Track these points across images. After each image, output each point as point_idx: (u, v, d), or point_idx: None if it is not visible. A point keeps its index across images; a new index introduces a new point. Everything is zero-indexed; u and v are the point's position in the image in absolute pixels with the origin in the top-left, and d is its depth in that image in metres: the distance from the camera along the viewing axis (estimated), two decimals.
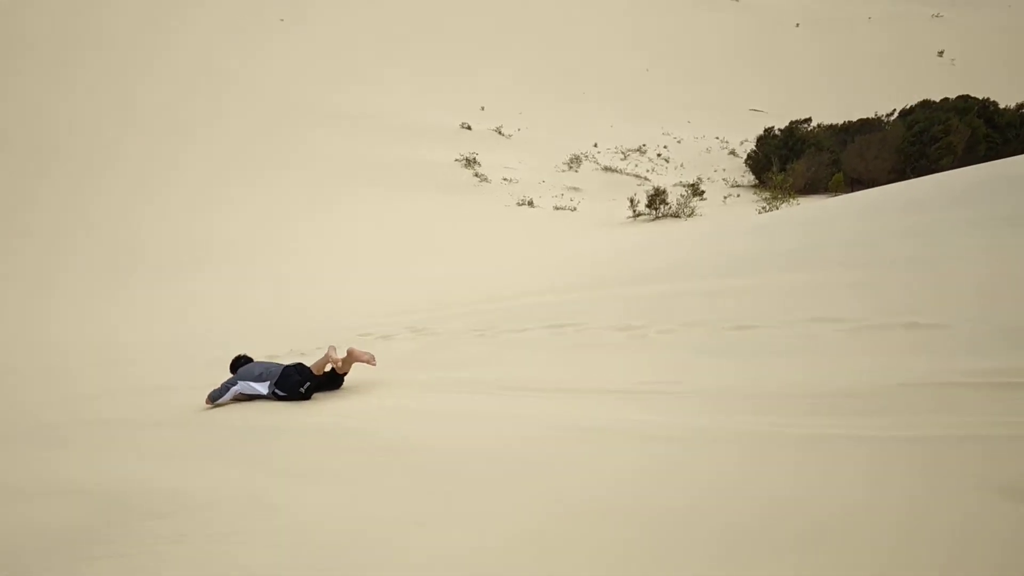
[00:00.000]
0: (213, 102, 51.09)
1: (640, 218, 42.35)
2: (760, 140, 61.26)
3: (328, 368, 8.04)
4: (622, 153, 62.43)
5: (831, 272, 9.44)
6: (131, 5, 65.35)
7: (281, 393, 8.16)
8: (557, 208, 45.42)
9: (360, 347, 8.93)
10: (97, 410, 9.93)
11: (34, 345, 22.11)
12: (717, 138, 71.94)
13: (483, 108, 64.63)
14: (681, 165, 62.80)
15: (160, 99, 49.20)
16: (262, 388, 8.33)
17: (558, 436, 5.37)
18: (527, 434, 5.58)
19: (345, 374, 8.20)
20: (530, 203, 45.34)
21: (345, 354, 8.04)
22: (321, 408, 7.49)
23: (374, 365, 8.12)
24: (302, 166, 44.34)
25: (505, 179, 49.95)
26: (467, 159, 51.54)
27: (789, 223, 17.09)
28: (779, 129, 61.07)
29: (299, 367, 8.12)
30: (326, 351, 8.07)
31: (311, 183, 42.26)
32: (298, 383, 8.04)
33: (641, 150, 66.28)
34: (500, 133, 60.39)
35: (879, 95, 79.06)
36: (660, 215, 42.84)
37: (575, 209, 45.53)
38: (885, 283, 8.17)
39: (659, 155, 66.05)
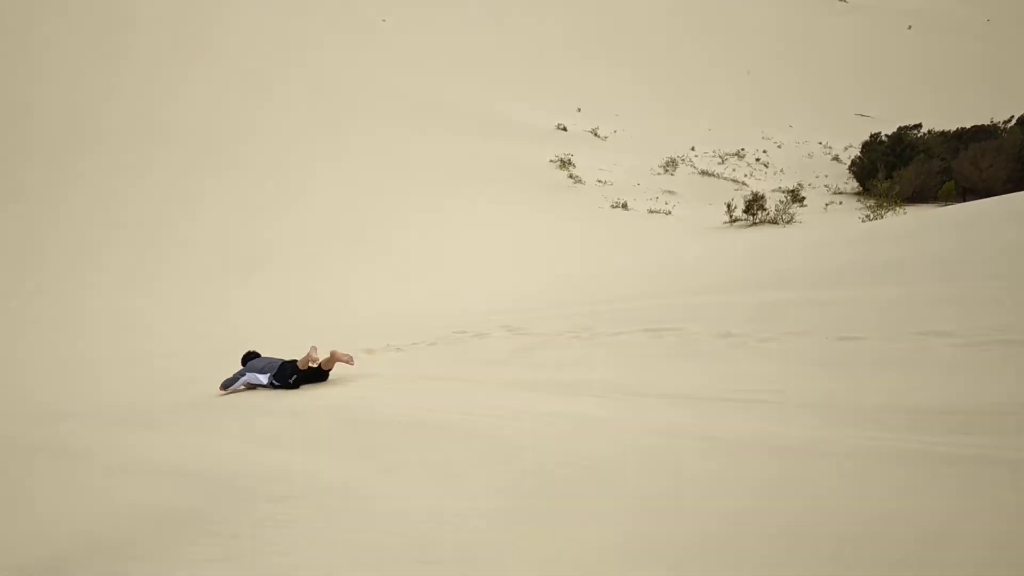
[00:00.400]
0: (315, 103, 52.46)
1: (737, 224, 41.51)
2: (866, 146, 59.23)
3: (313, 365, 9.42)
4: (720, 157, 61.32)
5: (938, 285, 9.10)
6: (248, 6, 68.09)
7: (277, 383, 9.51)
8: (652, 211, 44.93)
9: (342, 350, 10.08)
10: (193, 394, 10.38)
11: (139, 333, 23.19)
12: (820, 143, 69.93)
13: (579, 109, 64.48)
14: (781, 170, 61.26)
15: (272, 103, 50.82)
16: (263, 379, 9.68)
17: (656, 443, 5.33)
18: (625, 439, 5.57)
19: (330, 370, 9.58)
20: (624, 206, 45.00)
21: (328, 355, 9.53)
22: (419, 403, 7.64)
23: (352, 364, 9.56)
24: (397, 165, 45.12)
25: (600, 181, 49.70)
26: (562, 160, 51.48)
27: (896, 233, 16.51)
28: (886, 135, 58.95)
29: (291, 363, 9.51)
30: (307, 351, 9.52)
31: (405, 181, 42.96)
32: (289, 375, 9.43)
33: (739, 154, 64.99)
34: (596, 135, 60.15)
35: (995, 101, 75.55)
36: (757, 221, 41.91)
37: (670, 213, 44.95)
38: (993, 298, 7.84)
39: (758, 160, 64.63)
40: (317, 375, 9.53)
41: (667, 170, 55.62)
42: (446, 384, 8.38)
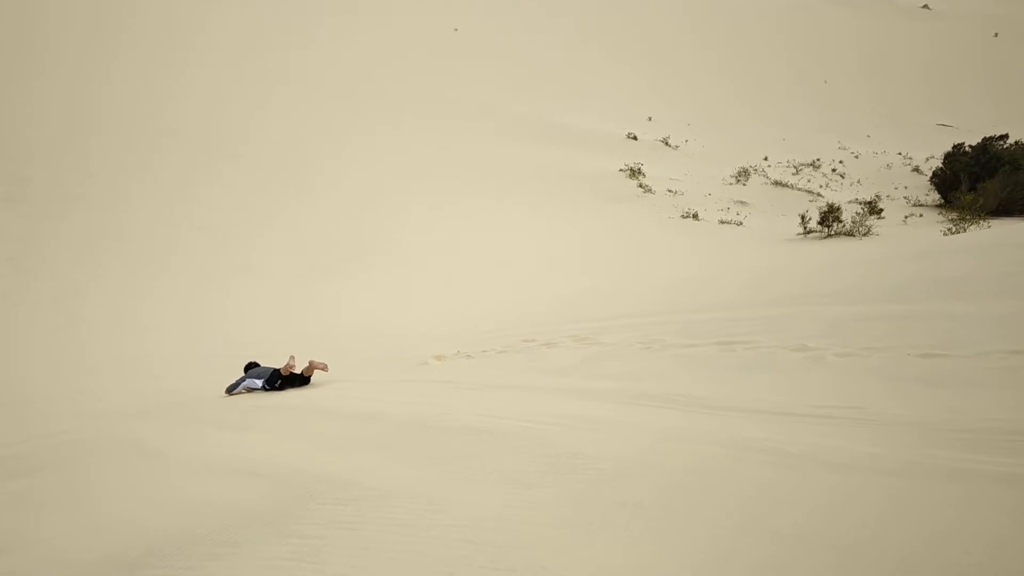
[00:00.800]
0: (380, 111, 53.28)
1: (811, 235, 40.62)
2: (948, 157, 57.36)
3: (295, 371, 11.35)
4: (794, 167, 60.09)
5: (1020, 301, 8.72)
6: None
7: (268, 387, 11.29)
8: (723, 222, 44.30)
9: (319, 359, 12.38)
10: (283, 397, 10.58)
11: (215, 334, 23.80)
12: (899, 154, 67.94)
13: (650, 119, 63.98)
14: (858, 181, 59.71)
15: (344, 112, 51.79)
16: (259, 383, 11.39)
17: (728, 455, 5.23)
18: (696, 452, 5.48)
19: (310, 376, 11.39)
20: (694, 216, 44.47)
21: (307, 364, 11.45)
22: (488, 410, 7.64)
23: (327, 371, 11.54)
24: (460, 171, 45.45)
25: (670, 191, 49.22)
26: (631, 169, 51.14)
27: (979, 246, 15.92)
28: (970, 145, 57.03)
29: (276, 371, 11.36)
30: (287, 360, 11.52)
31: (469, 187, 43.25)
32: (275, 380, 11.24)
33: (815, 164, 63.60)
34: (667, 144, 59.61)
35: None
36: (833, 233, 40.93)
37: (741, 224, 44.23)
38: None
39: (834, 170, 63.14)
40: (299, 380, 11.38)
41: (739, 180, 54.78)
42: (516, 392, 8.37)
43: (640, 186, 48.83)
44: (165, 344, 22.46)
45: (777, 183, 55.22)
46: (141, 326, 24.86)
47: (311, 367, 11.30)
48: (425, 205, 39.76)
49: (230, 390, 11.63)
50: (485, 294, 27.16)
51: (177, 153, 41.18)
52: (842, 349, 7.97)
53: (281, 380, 11.29)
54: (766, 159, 61.63)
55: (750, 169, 56.52)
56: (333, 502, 5.64)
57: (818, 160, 64.53)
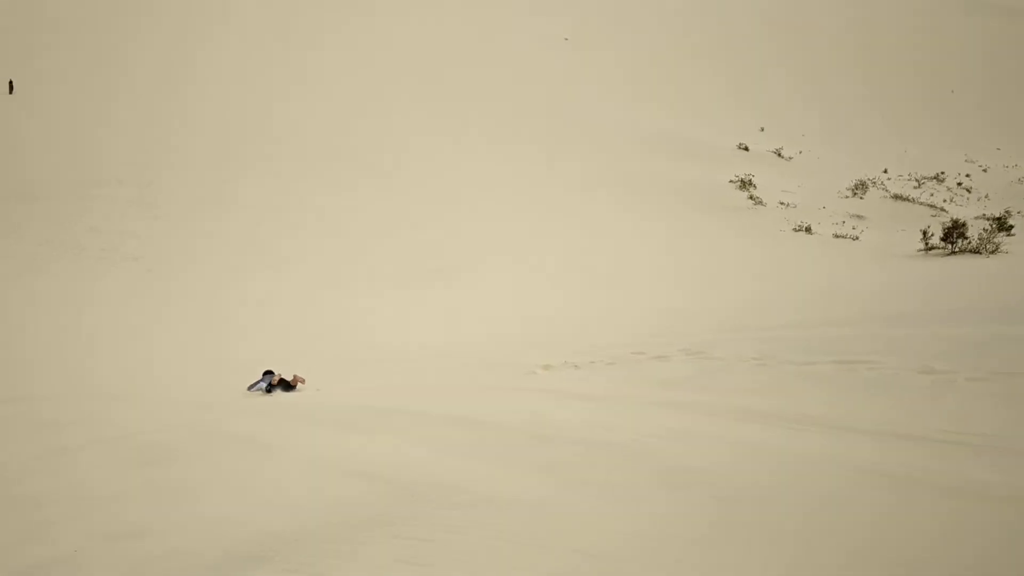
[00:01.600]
0: (494, 113, 53.83)
1: (933, 252, 38.83)
2: None
3: (285, 379, 14.23)
4: (915, 181, 57.59)
5: None
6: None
7: (267, 390, 13.90)
8: (837, 236, 42.86)
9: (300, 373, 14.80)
10: (394, 400, 10.83)
11: (330, 339, 24.51)
12: None
13: (763, 129, 62.56)
14: (986, 196, 56.82)
15: (444, 120, 52.63)
16: (264, 385, 14.05)
17: (846, 478, 5.07)
18: (813, 473, 5.33)
19: (295, 385, 14.14)
20: (807, 229, 43.20)
21: (291, 377, 14.27)
22: (599, 421, 7.62)
23: (304, 384, 14.26)
24: (571, 179, 45.45)
25: (782, 203, 47.97)
26: (742, 180, 50.09)
27: None
28: None
29: (272, 377, 14.19)
30: (277, 373, 14.37)
31: (577, 196, 43.22)
32: (268, 385, 13.97)
33: (938, 178, 60.82)
34: (779, 155, 58.13)
35: None
36: (957, 250, 39.00)
37: (857, 238, 42.69)
38: None
39: (959, 184, 60.25)
40: (286, 386, 14.11)
41: (856, 193, 52.89)
42: (626, 405, 8.32)
43: (751, 198, 47.78)
44: (289, 344, 23.28)
45: (897, 197, 53.05)
46: (261, 326, 25.83)
47: (295, 379, 14.21)
48: (534, 213, 39.99)
49: (250, 388, 14.25)
50: (590, 304, 27.09)
51: (287, 158, 42.72)
52: (974, 373, 7.59)
53: (271, 386, 14.01)
54: (886, 172, 59.31)
55: (868, 182, 54.49)
56: (445, 507, 5.73)
57: (942, 173, 61.66)
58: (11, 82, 47.76)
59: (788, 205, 47.75)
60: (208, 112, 47.72)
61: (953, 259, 37.00)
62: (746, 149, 57.24)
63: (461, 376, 13.55)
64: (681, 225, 40.76)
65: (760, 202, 47.40)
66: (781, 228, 43.21)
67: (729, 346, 11.36)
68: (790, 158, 58.15)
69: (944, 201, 54.76)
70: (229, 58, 57.08)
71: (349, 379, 15.73)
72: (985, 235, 40.48)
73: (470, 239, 35.99)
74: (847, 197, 51.83)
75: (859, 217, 47.79)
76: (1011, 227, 44.76)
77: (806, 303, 18.48)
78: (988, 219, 47.18)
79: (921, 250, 39.50)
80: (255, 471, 7.87)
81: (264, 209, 37.03)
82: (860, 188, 53.32)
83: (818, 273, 31.34)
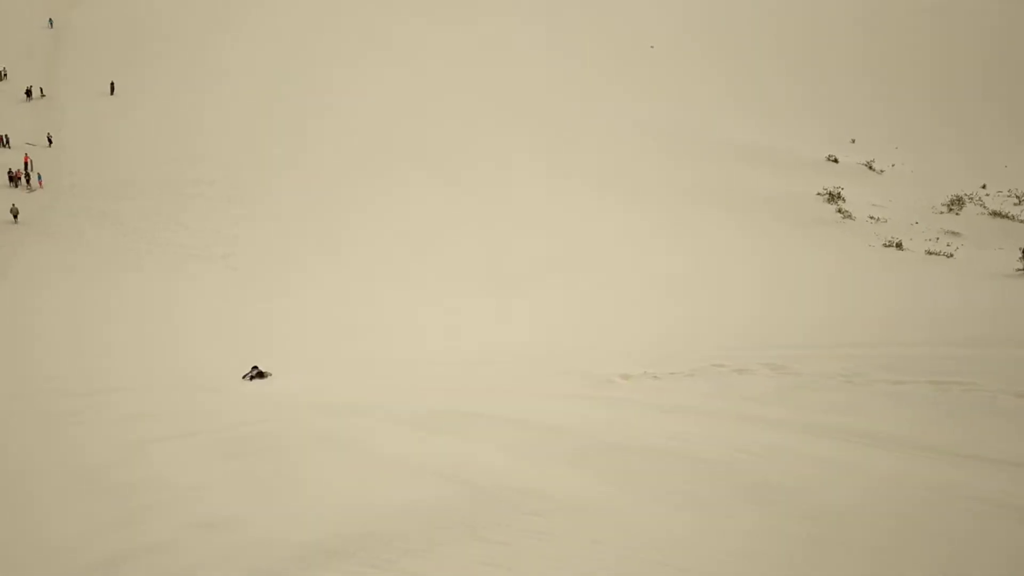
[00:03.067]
0: (575, 135, 53.74)
1: None
2: None
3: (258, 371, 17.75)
4: (1016, 197, 55.05)
5: None
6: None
7: (250, 379, 17.48)
8: (930, 252, 41.34)
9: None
10: (472, 403, 10.89)
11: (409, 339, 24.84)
12: None
13: (853, 141, 60.80)
14: None
15: (527, 134, 52.74)
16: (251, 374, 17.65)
17: (937, 501, 4.89)
18: (902, 495, 5.15)
19: (267, 375, 17.67)
20: (898, 245, 41.81)
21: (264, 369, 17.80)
22: (678, 433, 7.50)
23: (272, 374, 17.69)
24: (644, 191, 44.99)
25: (872, 217, 46.53)
26: (830, 193, 48.75)
27: None
28: None
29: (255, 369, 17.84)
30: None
31: (658, 205, 42.78)
32: (250, 375, 17.63)
33: None
34: (871, 168, 56.39)
35: None
36: None
37: (951, 256, 41.10)
38: None
39: None
40: (259, 375, 17.65)
41: (951, 209, 50.90)
42: (707, 417, 8.19)
43: (839, 211, 46.47)
44: (367, 344, 23.70)
45: (996, 214, 50.83)
46: (351, 327, 26.33)
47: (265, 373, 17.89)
48: (612, 223, 39.76)
49: (244, 376, 17.80)
50: (668, 315, 26.78)
51: (378, 162, 43.44)
52: None
53: (248, 375, 17.72)
54: (984, 187, 56.94)
55: (965, 197, 52.38)
56: (526, 511, 5.72)
57: None
58: (112, 84, 49.96)
59: (878, 220, 46.27)
60: (291, 116, 48.94)
61: None
62: (835, 161, 55.71)
63: (538, 381, 13.54)
64: (765, 237, 39.92)
65: (849, 216, 46.07)
66: (870, 243, 41.91)
67: (814, 362, 11.05)
68: (882, 171, 56.34)
69: None
70: (314, 66, 58.47)
71: (430, 379, 15.91)
72: None
73: (549, 246, 35.99)
74: (942, 213, 49.93)
75: (954, 234, 45.99)
76: None
77: (895, 320, 17.87)
78: None
79: (1020, 270, 37.79)
80: (337, 467, 8.02)
81: (343, 212, 37.75)
82: (956, 204, 51.30)
83: (908, 290, 30.30)
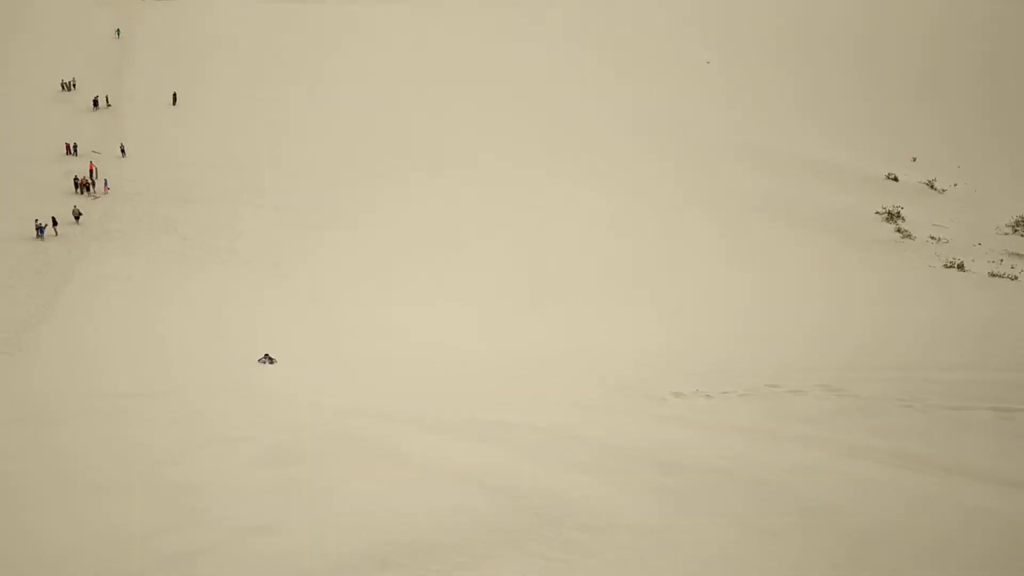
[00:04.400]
0: (638, 142, 53.51)
1: None
2: None
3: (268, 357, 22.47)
4: None
5: None
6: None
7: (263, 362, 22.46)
8: (993, 275, 40.18)
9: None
10: (520, 414, 10.84)
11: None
12: None
13: (914, 159, 59.53)
14: None
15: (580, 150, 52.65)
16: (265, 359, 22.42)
17: (1000, 531, 4.71)
18: (962, 521, 4.98)
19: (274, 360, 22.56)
20: (959, 266, 40.72)
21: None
22: (732, 454, 7.37)
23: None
24: (720, 205, 44.52)
25: (932, 238, 45.41)
26: (889, 212, 47.72)
27: None
28: None
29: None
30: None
31: (724, 222, 42.31)
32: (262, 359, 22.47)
33: None
34: (932, 187, 55.11)
35: None
36: None
37: (1016, 278, 39.90)
38: None
39: None
40: (269, 360, 22.28)
41: (1016, 230, 49.47)
42: (761, 438, 8.03)
43: (899, 231, 45.43)
44: (414, 349, 23.81)
45: None
46: (396, 333, 26.52)
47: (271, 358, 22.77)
48: (665, 235, 39.43)
49: (259, 360, 22.32)
50: (721, 332, 26.42)
51: (418, 173, 43.79)
52: None
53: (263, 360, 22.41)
54: None
55: None
56: (572, 527, 5.66)
57: None
58: (175, 94, 51.20)
59: (939, 240, 45.13)
60: (345, 130, 49.59)
61: None
62: (895, 179, 54.57)
63: (587, 395, 13.44)
64: (824, 255, 39.18)
65: (908, 235, 45.01)
66: (931, 264, 40.87)
67: (871, 384, 10.77)
68: (943, 190, 55.02)
69: None
70: (365, 79, 59.30)
71: (475, 387, 15.93)
72: None
73: (598, 259, 35.81)
74: (1006, 234, 48.52)
75: (1019, 256, 44.66)
76: None
77: (956, 344, 17.37)
78: None
79: None
80: (379, 475, 8.04)
81: (388, 224, 38.01)
82: (1021, 225, 49.88)
83: (970, 313, 29.46)
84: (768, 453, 7.37)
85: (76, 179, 38.58)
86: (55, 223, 33.72)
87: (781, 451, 7.31)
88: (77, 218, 35.06)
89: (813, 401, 10.20)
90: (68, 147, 42.63)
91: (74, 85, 52.43)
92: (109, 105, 50.27)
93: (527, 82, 62.02)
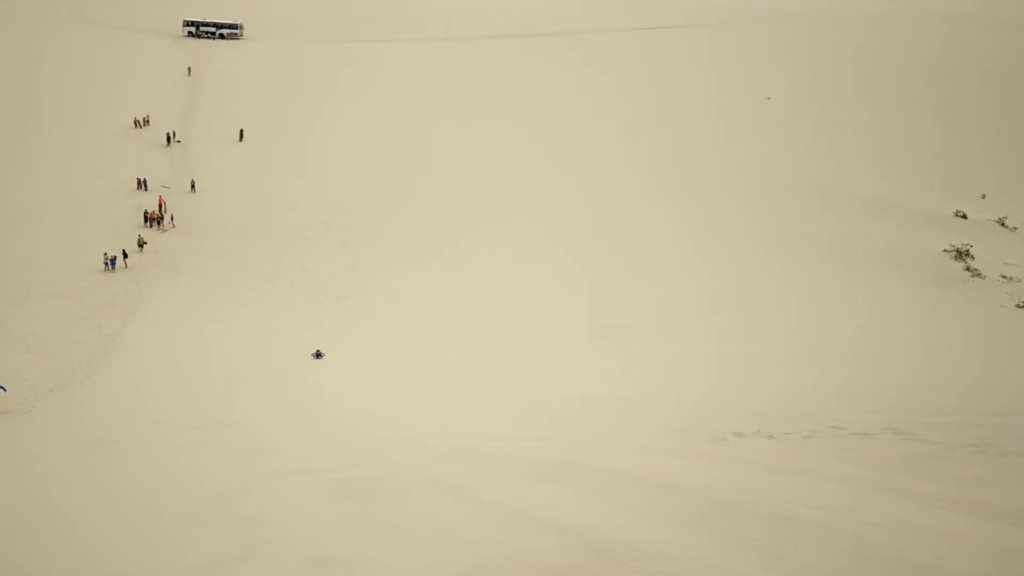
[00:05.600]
0: (702, 180, 53.25)
1: None
2: None
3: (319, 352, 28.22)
4: None
5: None
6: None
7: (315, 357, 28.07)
8: None
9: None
10: (585, 455, 10.73)
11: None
12: None
13: (983, 196, 58.04)
14: None
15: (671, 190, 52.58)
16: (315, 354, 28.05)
17: None
18: None
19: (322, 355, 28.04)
20: None
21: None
22: (799, 497, 7.17)
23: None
24: (783, 243, 43.90)
25: (1004, 276, 44.01)
26: (958, 250, 46.46)
27: None
28: None
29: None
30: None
31: (787, 260, 41.68)
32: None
33: None
34: (1003, 224, 53.50)
35: None
36: None
37: None
38: None
39: None
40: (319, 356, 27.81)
41: None
42: (826, 483, 7.80)
43: (967, 269, 44.16)
44: (482, 392, 23.82)
45: None
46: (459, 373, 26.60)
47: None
48: (727, 270, 38.99)
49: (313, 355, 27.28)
50: (782, 370, 25.93)
51: (486, 212, 44.11)
52: None
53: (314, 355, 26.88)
54: None
55: None
56: (641, 572, 5.56)
57: None
58: (241, 131, 52.68)
59: (1011, 279, 43.72)
60: (404, 165, 50.40)
61: None
62: (964, 216, 53.23)
63: (647, 434, 13.26)
64: (889, 294, 38.26)
65: (978, 274, 43.71)
66: (1002, 303, 39.59)
67: (943, 429, 10.41)
68: (1015, 228, 53.41)
69: None
70: (425, 115, 60.31)
71: (540, 426, 15.84)
72: None
73: (658, 295, 35.55)
74: None
75: None
76: None
77: None
78: None
79: None
80: (451, 515, 8.01)
81: (454, 260, 38.28)
82: None
83: None
84: (837, 499, 7.16)
85: (146, 213, 39.87)
86: (125, 256, 34.97)
87: (851, 497, 7.09)
88: (141, 247, 36.39)
89: (881, 444, 9.89)
90: (140, 182, 44.15)
91: (147, 122, 54.45)
92: (178, 141, 51.94)
93: (602, 125, 62.31)
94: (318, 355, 27.76)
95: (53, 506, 11.07)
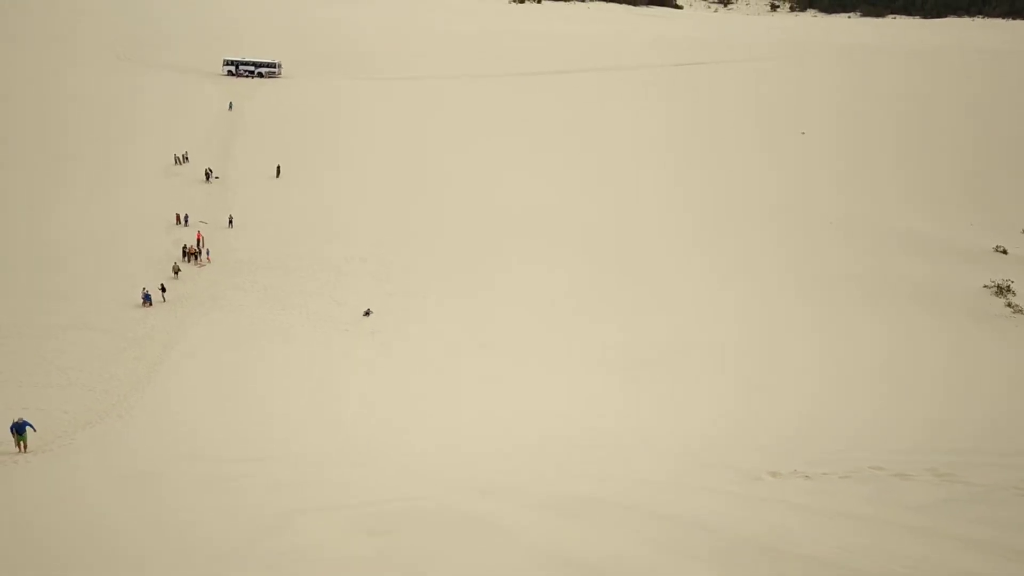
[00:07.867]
0: (735, 211, 53.13)
1: None
2: None
3: None
4: None
5: None
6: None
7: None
8: None
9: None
10: (616, 493, 10.66)
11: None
12: None
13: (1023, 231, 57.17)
14: None
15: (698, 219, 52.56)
16: None
17: None
18: None
19: None
20: None
21: None
22: (837, 543, 7.06)
23: None
24: (811, 278, 43.55)
25: None
26: (999, 287, 45.68)
27: None
28: None
29: None
30: None
31: (819, 296, 41.30)
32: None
33: None
34: None
35: None
36: None
37: None
38: None
39: None
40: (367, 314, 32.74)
41: None
42: (865, 526, 7.67)
43: (1009, 305, 43.37)
44: (506, 424, 23.80)
45: None
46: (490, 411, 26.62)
47: None
48: (761, 307, 38.71)
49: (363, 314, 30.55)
50: (818, 406, 25.63)
51: (516, 245, 44.33)
52: None
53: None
54: None
55: None
56: None
57: None
58: (278, 167, 53.64)
59: None
60: (442, 199, 50.94)
61: None
62: (1004, 252, 52.40)
63: (679, 473, 13.14)
64: (928, 331, 37.71)
65: (1020, 311, 42.95)
66: None
67: (986, 471, 10.20)
68: None
69: None
70: (459, 152, 61.04)
71: (567, 462, 15.77)
72: None
73: (686, 328, 35.39)
74: None
75: None
76: None
77: None
78: None
79: None
80: (483, 553, 7.98)
81: (491, 296, 38.42)
82: None
83: None
84: (877, 543, 7.05)
85: (185, 248, 40.55)
86: (163, 290, 35.52)
87: (892, 542, 6.97)
88: (176, 272, 37.44)
89: (922, 486, 9.70)
90: (179, 217, 44.95)
91: (187, 158, 55.59)
92: (216, 177, 52.91)
93: (628, 155, 62.57)
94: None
95: (110, 533, 11.23)
